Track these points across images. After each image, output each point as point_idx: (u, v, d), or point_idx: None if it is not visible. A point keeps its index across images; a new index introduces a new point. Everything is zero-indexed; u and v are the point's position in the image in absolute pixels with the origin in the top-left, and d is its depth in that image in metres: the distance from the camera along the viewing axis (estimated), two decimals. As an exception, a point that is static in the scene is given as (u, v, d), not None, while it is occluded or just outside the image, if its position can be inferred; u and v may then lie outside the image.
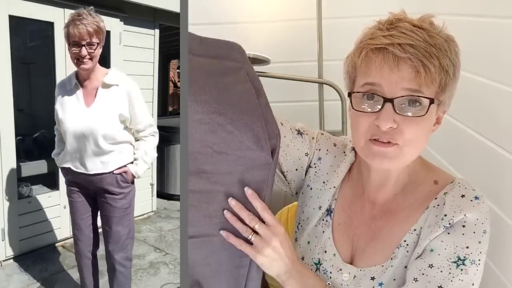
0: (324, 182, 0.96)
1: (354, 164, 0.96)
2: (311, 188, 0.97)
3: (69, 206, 2.02)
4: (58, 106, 1.85)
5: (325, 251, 0.90)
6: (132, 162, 1.93)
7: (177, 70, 7.76)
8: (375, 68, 0.76)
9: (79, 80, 1.83)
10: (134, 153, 1.94)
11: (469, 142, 1.13)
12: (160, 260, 3.00)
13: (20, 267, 2.79)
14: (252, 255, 0.80)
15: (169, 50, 5.33)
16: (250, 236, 0.80)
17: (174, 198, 4.20)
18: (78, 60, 1.72)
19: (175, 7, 3.38)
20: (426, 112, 0.76)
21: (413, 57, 0.73)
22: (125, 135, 1.88)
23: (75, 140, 1.80)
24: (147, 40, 3.63)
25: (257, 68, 1.44)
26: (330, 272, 0.88)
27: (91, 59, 1.72)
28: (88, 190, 1.94)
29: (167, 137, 4.12)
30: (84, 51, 1.68)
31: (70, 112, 1.81)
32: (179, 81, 7.34)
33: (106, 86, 1.79)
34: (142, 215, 3.80)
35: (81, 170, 1.85)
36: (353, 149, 0.98)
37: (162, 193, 4.20)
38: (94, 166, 1.83)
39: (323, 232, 0.93)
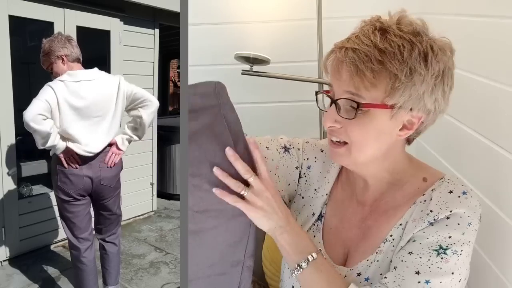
0: (315, 190, 0.97)
1: (342, 168, 0.97)
2: (302, 197, 0.99)
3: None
4: None
5: None
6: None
7: (177, 70, 7.76)
8: (330, 68, 0.81)
9: None
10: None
11: (469, 142, 1.13)
12: (161, 260, 3.00)
13: (20, 267, 2.79)
14: (246, 209, 0.81)
15: (169, 50, 5.33)
16: (242, 191, 0.80)
17: (174, 197, 4.20)
18: None
19: (175, 7, 3.38)
20: (355, 116, 0.77)
21: (350, 61, 0.74)
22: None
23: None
24: (147, 40, 3.63)
25: (257, 68, 1.44)
26: (291, 272, 0.87)
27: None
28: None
29: (167, 136, 4.12)
30: None
31: None
32: (179, 81, 7.34)
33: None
34: (143, 214, 3.80)
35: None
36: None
37: (163, 193, 4.20)
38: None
39: (314, 236, 0.94)
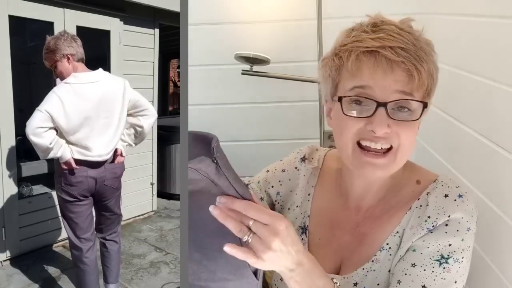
0: (289, 208, 0.97)
1: (323, 175, 0.95)
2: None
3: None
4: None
5: (281, 279, 0.84)
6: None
7: (177, 70, 7.76)
8: (368, 71, 0.73)
9: None
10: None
11: (469, 142, 1.13)
12: (161, 260, 3.00)
13: (20, 267, 2.79)
14: (253, 262, 0.68)
15: (169, 50, 5.33)
16: (246, 237, 0.66)
17: (174, 197, 4.20)
18: None
19: (175, 7, 3.38)
20: (420, 116, 0.75)
21: (406, 60, 0.71)
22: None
23: None
24: (147, 40, 3.63)
25: (257, 68, 1.44)
26: None
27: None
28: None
29: (168, 136, 4.12)
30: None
31: None
32: (179, 81, 7.34)
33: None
34: (143, 214, 3.80)
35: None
36: (304, 159, 0.98)
37: (163, 193, 4.20)
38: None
39: None
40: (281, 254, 0.67)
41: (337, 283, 0.76)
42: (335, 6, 1.44)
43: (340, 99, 0.76)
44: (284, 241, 0.66)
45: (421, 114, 0.75)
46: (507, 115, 0.94)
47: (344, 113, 0.75)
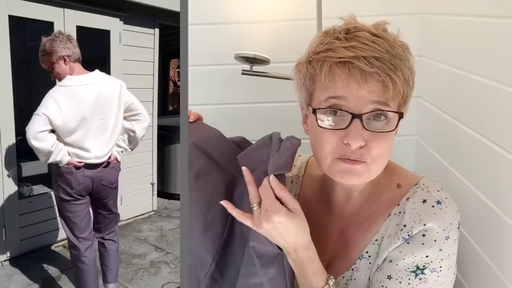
0: None
1: (305, 182, 0.94)
2: None
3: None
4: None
5: None
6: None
7: (177, 69, 7.76)
8: (341, 83, 0.71)
9: None
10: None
11: (469, 142, 1.13)
12: (161, 260, 3.00)
13: (21, 267, 2.79)
14: (251, 224, 0.75)
15: (169, 50, 5.33)
16: (254, 205, 0.75)
17: (174, 197, 4.20)
18: None
19: (175, 7, 3.38)
20: (396, 127, 0.73)
21: (381, 71, 0.69)
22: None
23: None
24: (147, 40, 3.63)
25: (257, 68, 1.44)
26: None
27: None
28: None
29: (168, 136, 4.12)
30: None
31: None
32: (179, 80, 7.33)
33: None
34: (143, 214, 3.80)
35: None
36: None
37: (163, 192, 4.21)
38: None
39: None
40: (275, 232, 0.73)
41: (330, 283, 0.77)
42: (335, 6, 1.44)
43: (314, 111, 0.75)
44: (284, 223, 0.73)
45: (397, 124, 0.73)
46: (507, 115, 0.94)
47: (319, 126, 0.74)
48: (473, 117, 1.12)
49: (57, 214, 3.06)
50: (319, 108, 0.74)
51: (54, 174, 2.09)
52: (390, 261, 0.77)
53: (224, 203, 0.79)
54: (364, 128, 0.71)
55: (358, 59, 0.70)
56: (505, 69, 0.95)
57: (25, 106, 3.03)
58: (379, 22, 0.76)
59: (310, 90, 0.78)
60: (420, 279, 0.74)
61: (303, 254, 0.76)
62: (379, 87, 0.70)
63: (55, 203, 3.04)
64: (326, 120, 0.74)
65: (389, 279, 0.76)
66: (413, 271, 0.74)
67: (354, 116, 0.71)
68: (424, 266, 0.74)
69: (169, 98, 7.02)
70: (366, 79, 0.70)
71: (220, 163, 0.92)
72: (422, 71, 1.50)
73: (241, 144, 0.96)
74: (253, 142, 0.95)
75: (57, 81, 2.12)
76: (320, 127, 0.74)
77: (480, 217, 1.06)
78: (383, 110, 0.72)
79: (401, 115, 0.73)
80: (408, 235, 0.75)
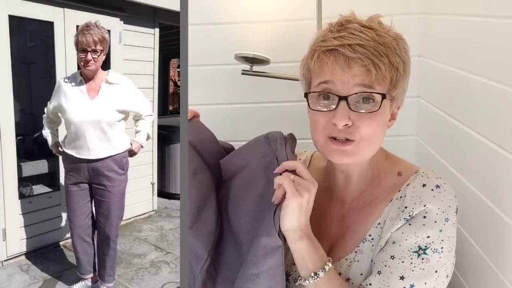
0: None
1: (310, 174, 0.96)
2: None
3: (66, 195, 2.27)
4: (62, 98, 2.13)
5: (293, 263, 0.86)
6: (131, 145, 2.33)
7: (177, 69, 7.76)
8: (327, 69, 0.78)
9: (84, 78, 2.16)
10: (137, 126, 2.34)
11: (469, 142, 1.13)
12: (161, 259, 3.00)
13: (21, 267, 2.80)
14: (291, 190, 0.78)
15: (169, 49, 5.33)
16: (292, 176, 0.80)
17: (174, 197, 4.20)
18: (84, 63, 2.06)
19: (175, 6, 3.38)
20: (379, 107, 0.78)
21: (363, 56, 0.75)
22: (122, 125, 2.22)
23: (80, 128, 2.08)
24: (147, 39, 3.63)
25: (257, 68, 1.44)
26: (300, 279, 0.84)
27: (95, 62, 2.07)
28: (86, 178, 2.19)
29: (168, 136, 4.12)
30: (89, 56, 2.04)
31: (76, 103, 2.11)
32: (179, 80, 7.34)
33: (108, 83, 2.16)
34: (143, 214, 3.80)
35: (84, 156, 2.12)
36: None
37: (163, 192, 4.21)
38: (98, 151, 2.12)
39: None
40: (301, 207, 0.78)
41: (328, 265, 0.81)
42: (335, 6, 1.44)
43: (306, 95, 0.84)
44: (309, 200, 0.79)
45: (380, 105, 0.78)
46: (507, 115, 0.94)
47: (310, 108, 0.83)
48: (473, 117, 1.12)
49: (58, 214, 3.08)
50: (310, 92, 0.83)
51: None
52: (394, 242, 0.80)
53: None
54: (351, 109, 0.77)
55: (344, 46, 0.76)
56: (505, 69, 0.95)
57: (25, 106, 3.03)
58: (373, 15, 0.83)
59: (308, 80, 0.86)
60: (423, 259, 0.77)
61: (309, 231, 0.82)
62: (363, 71, 0.76)
63: (55, 203, 3.06)
64: (318, 105, 0.81)
65: (392, 259, 0.79)
66: (416, 251, 0.77)
67: (341, 98, 0.78)
68: (426, 246, 0.77)
69: (169, 98, 7.02)
70: (349, 65, 0.76)
71: (208, 164, 0.97)
72: (422, 71, 1.50)
73: (229, 151, 1.01)
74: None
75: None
76: (312, 109, 0.82)
77: (480, 217, 1.06)
78: (367, 92, 0.77)
79: (383, 96, 0.78)
80: (409, 216, 0.79)
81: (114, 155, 2.17)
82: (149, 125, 2.38)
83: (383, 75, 0.76)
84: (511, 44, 0.93)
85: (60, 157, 2.38)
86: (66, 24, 2.95)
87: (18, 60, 2.85)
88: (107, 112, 2.11)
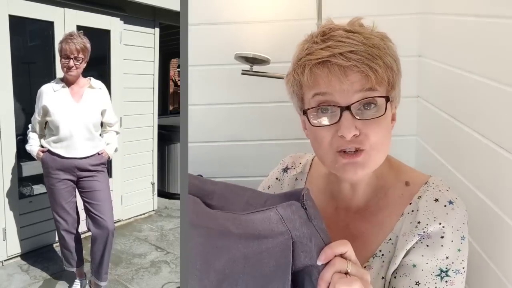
0: None
1: (311, 179, 0.95)
2: None
3: (49, 194, 2.36)
4: (46, 103, 2.25)
5: None
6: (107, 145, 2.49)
7: (177, 69, 7.75)
8: (322, 81, 0.74)
9: (66, 84, 2.33)
10: (107, 138, 2.48)
11: (469, 142, 1.13)
12: (161, 259, 3.00)
13: (21, 267, 2.80)
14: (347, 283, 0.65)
15: (169, 49, 5.33)
16: (347, 267, 0.66)
17: (175, 197, 4.20)
18: (67, 68, 2.23)
19: (175, 6, 3.38)
20: (385, 111, 0.75)
21: (358, 63, 0.72)
22: (100, 126, 2.41)
23: (68, 129, 2.24)
24: (147, 39, 3.63)
25: (257, 68, 1.45)
26: None
27: (76, 69, 2.24)
28: (72, 175, 2.30)
29: (168, 136, 4.12)
30: (71, 62, 2.21)
31: (63, 106, 2.26)
32: (179, 80, 7.34)
33: (92, 87, 2.36)
34: (143, 214, 3.80)
35: (72, 155, 2.27)
36: (286, 169, 0.99)
37: (163, 192, 4.21)
38: (84, 150, 2.29)
39: None
40: None
41: None
42: (335, 6, 1.44)
43: (305, 112, 0.78)
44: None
45: (386, 108, 0.75)
46: (507, 115, 0.94)
47: (312, 125, 0.77)
48: (473, 117, 1.12)
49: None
50: (308, 108, 0.77)
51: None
52: (414, 265, 0.77)
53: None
54: (355, 118, 0.73)
55: (335, 56, 0.72)
56: (505, 69, 0.95)
57: (26, 106, 3.03)
58: (353, 18, 0.79)
59: (300, 96, 0.81)
60: (446, 281, 0.75)
61: None
62: (361, 78, 0.73)
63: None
64: (319, 119, 0.76)
65: (418, 285, 0.76)
66: (438, 275, 0.75)
67: (343, 108, 0.73)
68: (446, 268, 0.75)
69: (169, 97, 7.02)
70: (346, 73, 0.72)
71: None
72: (422, 71, 1.50)
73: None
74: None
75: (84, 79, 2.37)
76: (314, 126, 0.77)
77: (480, 217, 1.06)
78: (368, 97, 0.74)
79: (387, 99, 0.75)
80: (423, 231, 0.76)
81: (98, 153, 2.36)
82: (116, 140, 2.55)
83: (381, 78, 0.73)
84: (511, 44, 0.93)
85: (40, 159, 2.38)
86: (66, 24, 2.95)
87: (18, 60, 2.85)
88: (92, 114, 2.32)
